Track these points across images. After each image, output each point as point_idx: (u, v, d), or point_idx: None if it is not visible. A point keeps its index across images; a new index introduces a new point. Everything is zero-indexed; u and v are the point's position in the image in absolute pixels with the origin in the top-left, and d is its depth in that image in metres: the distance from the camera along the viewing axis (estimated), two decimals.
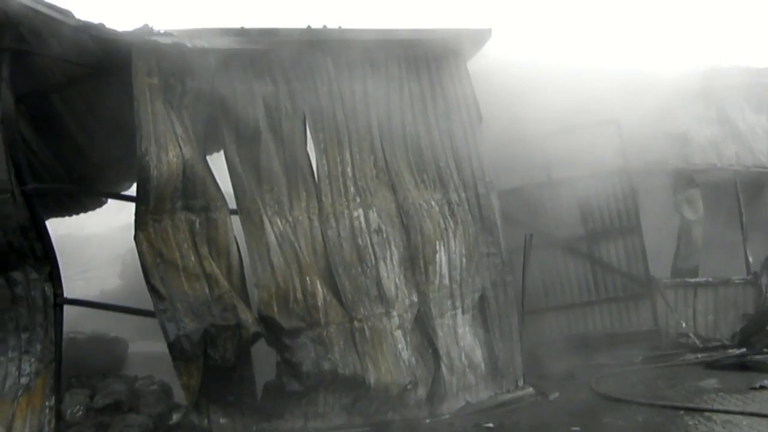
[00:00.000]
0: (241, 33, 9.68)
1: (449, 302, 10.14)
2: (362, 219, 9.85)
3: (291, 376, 9.09)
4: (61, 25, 8.81)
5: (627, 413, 9.34)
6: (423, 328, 9.93)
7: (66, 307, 8.95)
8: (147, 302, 9.42)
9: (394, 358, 9.59)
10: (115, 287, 14.10)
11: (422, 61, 10.82)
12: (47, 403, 8.65)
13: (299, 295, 9.19)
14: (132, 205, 9.22)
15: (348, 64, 10.27)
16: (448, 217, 10.37)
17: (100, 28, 8.96)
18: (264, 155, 9.51)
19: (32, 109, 9.89)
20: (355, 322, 9.47)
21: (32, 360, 8.74)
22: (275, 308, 9.07)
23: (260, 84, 9.69)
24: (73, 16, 8.86)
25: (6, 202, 8.47)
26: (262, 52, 9.71)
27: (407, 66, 10.69)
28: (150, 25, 9.20)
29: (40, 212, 8.84)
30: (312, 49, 9.98)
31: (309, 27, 10.00)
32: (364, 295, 9.61)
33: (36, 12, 8.72)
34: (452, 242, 10.27)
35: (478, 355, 10.29)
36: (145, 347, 10.95)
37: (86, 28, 8.88)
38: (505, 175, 12.51)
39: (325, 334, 9.22)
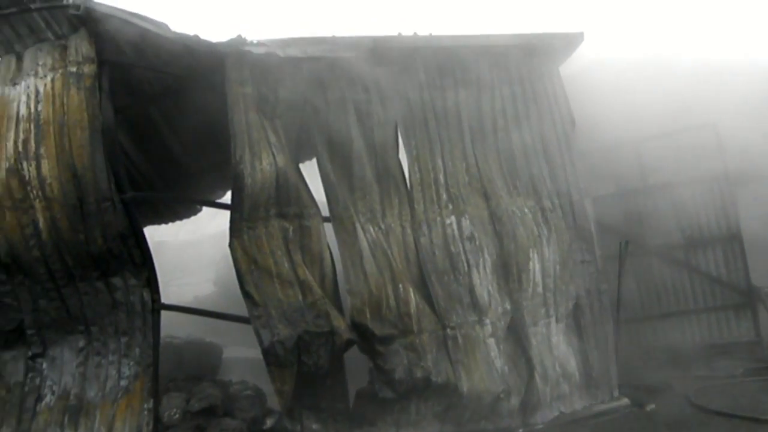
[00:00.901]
0: (333, 42, 9.73)
1: (543, 310, 9.99)
2: (455, 226, 9.79)
3: (384, 383, 9.09)
4: (157, 37, 9.00)
5: (727, 427, 9.00)
6: (516, 337, 9.80)
7: (162, 313, 9.13)
8: (240, 308, 9.54)
9: (487, 367, 9.49)
10: (209, 293, 14.34)
11: (513, 66, 10.71)
12: (146, 406, 8.85)
13: (392, 303, 9.18)
14: (225, 213, 9.35)
15: (439, 70, 10.23)
16: (542, 224, 10.23)
17: (194, 39, 9.13)
18: (356, 163, 9.54)
19: (130, 119, 10.17)
20: (448, 330, 9.41)
21: (131, 363, 8.96)
22: (368, 315, 9.08)
23: (352, 92, 9.72)
24: (169, 29, 9.05)
25: (106, 210, 8.70)
26: (353, 60, 9.72)
27: (498, 71, 10.60)
28: (243, 36, 9.32)
29: (138, 220, 9.05)
30: (403, 56, 9.97)
31: (400, 35, 10.01)
32: (457, 303, 9.54)
33: (133, 26, 8.94)
34: (546, 249, 10.12)
35: (573, 365, 10.10)
36: (239, 353, 11.10)
37: (181, 40, 9.05)
38: (598, 181, 12.29)
39: (417, 341, 9.18)
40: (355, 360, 9.33)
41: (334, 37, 9.74)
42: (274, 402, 9.23)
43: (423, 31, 10.10)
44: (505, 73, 10.63)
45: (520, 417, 9.65)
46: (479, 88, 10.38)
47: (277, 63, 9.25)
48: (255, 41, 9.30)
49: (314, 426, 9.05)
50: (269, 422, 9.12)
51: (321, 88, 9.58)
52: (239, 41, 9.18)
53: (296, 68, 9.40)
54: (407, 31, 10.01)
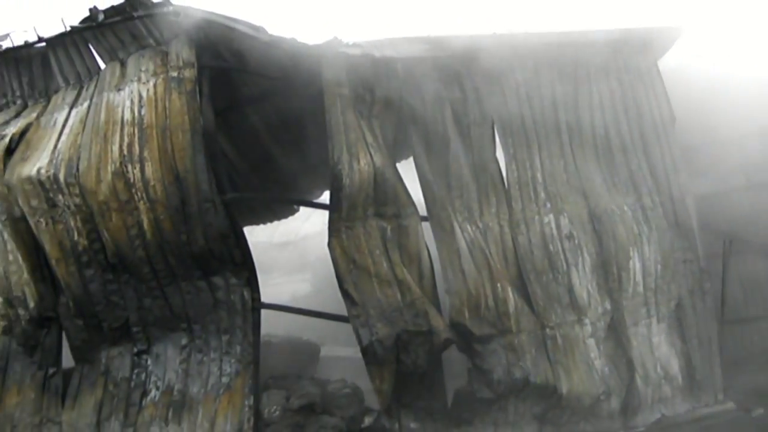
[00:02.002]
0: (428, 41, 9.74)
1: (644, 310, 9.80)
2: (553, 225, 9.67)
3: (482, 383, 9.06)
4: (255, 41, 9.15)
5: None
6: (616, 337, 9.65)
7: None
8: (337, 308, 9.64)
9: (587, 367, 9.36)
10: (305, 293, 14.51)
11: (611, 61, 10.54)
12: (246, 402, 8.99)
13: (490, 302, 9.13)
14: (319, 214, 9.45)
15: (535, 67, 10.13)
16: (642, 222, 10.03)
17: (291, 42, 9.23)
18: (453, 162, 9.52)
19: (229, 121, 10.35)
20: (547, 330, 9.32)
21: (232, 361, 9.13)
22: (466, 315, 9.04)
23: (448, 91, 9.70)
24: (266, 32, 9.18)
25: (208, 211, 8.88)
26: (449, 59, 9.71)
27: (595, 67, 10.43)
28: (339, 38, 9.39)
29: (238, 220, 9.21)
30: (499, 54, 9.88)
31: (495, 33, 9.94)
32: (556, 303, 9.43)
33: (232, 30, 9.12)
34: (646, 248, 9.92)
35: (675, 366, 9.89)
36: (336, 351, 11.18)
37: (279, 43, 9.17)
38: (699, 179, 11.91)
39: (516, 341, 9.11)
40: (453, 359, 9.29)
41: (429, 36, 9.74)
42: (371, 400, 9.28)
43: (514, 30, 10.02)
44: (603, 69, 10.46)
45: (620, 419, 9.50)
46: (576, 84, 10.24)
47: (372, 63, 9.28)
48: (351, 42, 9.36)
49: (412, 425, 9.07)
50: (367, 420, 9.15)
51: (417, 87, 9.57)
52: (335, 43, 9.25)
53: (392, 68, 9.42)
54: (494, 30, 9.92)
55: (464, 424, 9.14)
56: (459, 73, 9.80)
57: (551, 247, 9.57)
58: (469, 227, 9.42)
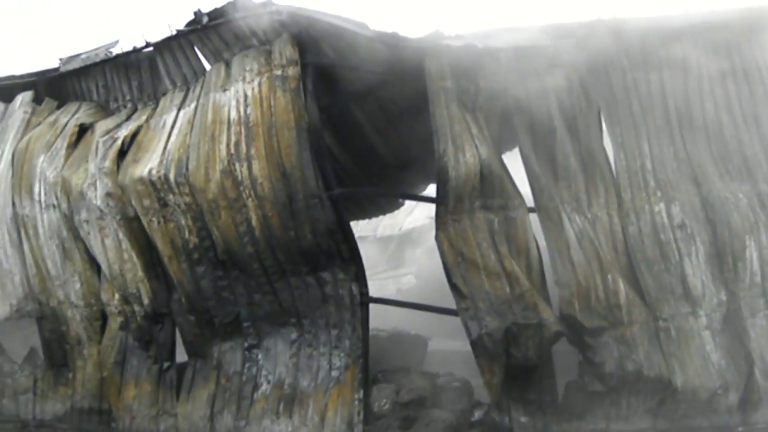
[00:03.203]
0: (531, 30, 9.63)
1: (762, 301, 9.45)
2: (664, 214, 9.40)
3: (593, 376, 8.91)
4: (358, 37, 9.19)
5: None
6: (733, 329, 9.32)
7: None
8: (442, 301, 9.61)
9: (702, 361, 9.08)
10: (410, 287, 14.54)
11: (721, 43, 10.18)
12: (356, 396, 9.07)
13: (601, 294, 8.95)
14: (422, 207, 9.42)
15: (642, 53, 9.86)
16: (758, 209, 9.66)
17: (393, 36, 9.24)
18: (560, 152, 9.36)
19: (333, 118, 10.43)
20: (660, 322, 9.08)
21: (341, 355, 9.22)
22: (576, 307, 8.89)
23: (553, 80, 9.52)
24: (368, 28, 9.21)
25: (315, 207, 8.98)
26: (553, 48, 9.55)
27: (705, 50, 10.07)
28: (441, 30, 9.36)
29: (345, 215, 9.27)
30: (604, 41, 9.67)
31: (599, 19, 9.73)
32: (669, 294, 9.17)
33: (335, 27, 9.18)
34: (763, 237, 9.56)
35: None
36: (443, 345, 11.15)
37: (381, 38, 9.19)
38: None
39: (628, 333, 8.91)
40: (563, 352, 9.15)
41: (532, 25, 9.61)
42: (480, 394, 9.23)
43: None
44: (712, 51, 10.09)
45: (739, 414, 9.18)
46: (685, 68, 9.92)
47: (476, 55, 9.21)
48: (453, 34, 9.31)
49: (522, 419, 8.99)
50: (477, 414, 9.12)
51: (521, 77, 9.44)
52: (438, 35, 9.23)
53: (495, 59, 9.32)
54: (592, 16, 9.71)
55: (575, 418, 9.00)
56: (563, 61, 9.61)
57: (662, 237, 9.31)
58: (577, 218, 9.26)
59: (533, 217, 9.28)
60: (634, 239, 9.29)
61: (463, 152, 8.87)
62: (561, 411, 9.00)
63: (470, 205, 8.98)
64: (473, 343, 8.65)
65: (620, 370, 8.80)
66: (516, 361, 8.68)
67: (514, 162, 9.55)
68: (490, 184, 9.05)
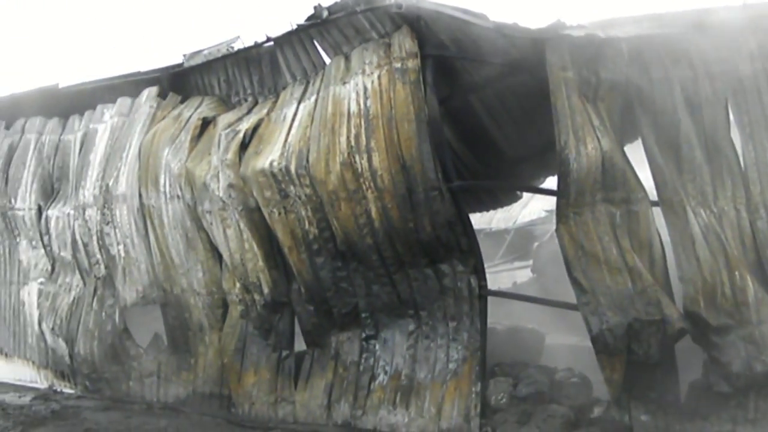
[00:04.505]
0: (654, 18, 9.36)
1: None
2: None
3: (719, 377, 8.58)
4: (477, 28, 9.13)
5: None
6: None
7: None
8: (558, 295, 9.50)
9: None
10: (526, 280, 14.44)
11: None
12: (473, 389, 9.06)
13: (727, 291, 8.64)
14: (538, 200, 9.30)
15: None
16: None
17: (514, 27, 9.15)
18: (685, 144, 9.08)
19: (451, 110, 10.42)
20: None
21: (459, 347, 9.22)
22: (701, 304, 8.61)
23: (677, 70, 9.25)
24: (488, 19, 9.14)
25: (435, 199, 8.99)
26: (677, 37, 9.25)
27: None
28: (561, 20, 9.20)
29: (465, 208, 9.26)
30: (731, 28, 9.33)
31: (727, 5, 9.39)
32: None
33: (455, 19, 9.15)
34: None
35: None
36: (559, 339, 11.02)
37: (501, 29, 9.11)
38: None
39: (757, 333, 8.56)
40: (686, 350, 8.89)
41: (655, 13, 9.36)
42: (599, 391, 9.08)
43: None
44: None
45: None
46: None
47: (597, 44, 9.02)
48: (574, 24, 9.15)
49: (643, 417, 8.78)
50: (596, 411, 8.96)
51: (644, 67, 9.21)
52: (558, 25, 9.07)
53: (617, 49, 9.10)
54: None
55: (699, 419, 8.71)
56: (688, 50, 9.32)
57: None
58: (702, 212, 8.97)
59: (656, 211, 9.03)
60: (763, 235, 8.95)
61: (585, 144, 8.72)
62: (684, 411, 8.74)
63: (592, 198, 8.81)
64: (594, 339, 8.51)
65: (748, 371, 8.47)
66: (637, 358, 8.48)
67: (636, 154, 9.32)
68: (612, 177, 8.86)
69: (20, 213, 13.42)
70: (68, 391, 12.64)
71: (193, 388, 11.06)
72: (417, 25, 9.34)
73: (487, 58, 9.56)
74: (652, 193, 9.06)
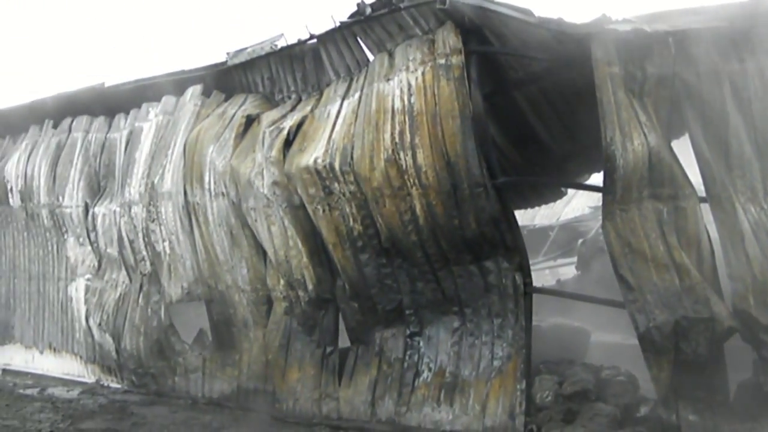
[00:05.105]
0: (702, 11, 9.22)
1: None
2: None
3: None
4: (522, 24, 9.07)
5: None
6: None
7: None
8: (603, 293, 9.40)
9: None
10: (570, 277, 14.35)
11: None
12: (518, 387, 9.01)
13: None
14: (581, 196, 9.20)
15: None
16: None
17: (559, 22, 9.05)
18: (733, 139, 8.93)
19: (496, 106, 10.34)
20: None
21: (504, 345, 9.18)
22: (751, 302, 8.48)
23: (725, 63, 9.09)
24: (533, 14, 9.06)
25: (480, 196, 8.96)
26: (725, 30, 9.10)
27: None
28: (607, 14, 9.10)
29: (509, 204, 9.21)
30: None
31: None
32: None
33: (499, 14, 9.09)
34: None
35: None
36: (604, 337, 10.92)
37: (546, 24, 9.02)
38: None
39: None
40: (735, 349, 8.76)
41: (703, 6, 9.23)
42: (646, 389, 8.99)
43: None
44: None
45: None
46: None
47: (644, 39, 8.90)
48: (620, 18, 9.04)
49: (691, 417, 8.65)
50: (643, 410, 8.85)
51: (691, 61, 9.06)
52: (604, 20, 8.97)
53: (664, 43, 8.98)
54: None
55: (748, 419, 8.56)
56: (737, 43, 9.17)
57: None
58: (752, 208, 8.83)
59: (704, 207, 8.90)
60: None
61: (631, 140, 8.61)
62: (733, 411, 8.61)
63: (638, 195, 8.70)
64: (641, 337, 8.41)
65: None
66: (685, 357, 8.37)
67: (684, 150, 9.19)
68: (659, 173, 8.74)
69: (68, 210, 13.64)
70: (115, 385, 12.85)
71: (238, 383, 11.15)
72: (461, 21, 9.30)
73: (531, 53, 9.49)
74: (700, 189, 8.93)
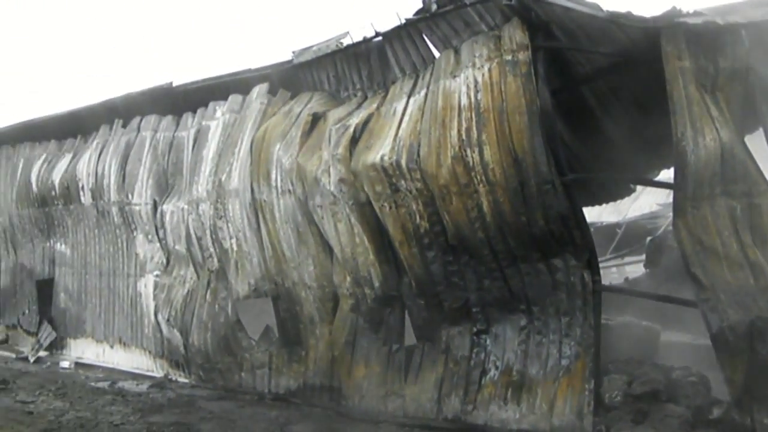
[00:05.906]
0: None
1: None
2: None
3: None
4: (589, 18, 8.95)
5: None
6: None
7: None
8: (672, 291, 9.22)
9: None
10: (638, 275, 14.12)
11: None
12: (587, 386, 8.88)
13: None
14: (648, 193, 9.03)
15: None
16: None
17: (627, 16, 8.90)
18: None
19: (563, 102, 10.24)
20: None
21: (572, 343, 9.07)
22: None
23: None
24: (600, 9, 8.94)
25: (547, 192, 8.86)
26: None
27: None
28: (677, 7, 8.93)
29: (578, 201, 9.11)
30: None
31: None
32: None
33: (566, 9, 8.98)
34: None
35: None
36: (674, 336, 10.71)
37: (614, 18, 8.89)
38: None
39: None
40: None
41: None
42: (718, 391, 8.78)
43: None
44: None
45: None
46: None
47: (715, 32, 8.72)
48: (691, 11, 8.87)
49: (766, 420, 8.44)
50: (716, 412, 8.63)
51: (765, 54, 8.87)
52: (674, 13, 8.80)
53: (736, 35, 8.80)
54: None
55: None
56: None
57: None
58: None
59: None
60: None
61: (703, 135, 8.44)
62: None
63: (710, 191, 8.53)
64: (713, 337, 8.25)
65: None
66: (761, 358, 8.17)
67: (758, 145, 8.98)
68: (732, 169, 8.56)
69: (137, 208, 13.91)
70: (183, 380, 13.06)
71: (304, 379, 11.23)
72: (527, 16, 9.21)
73: (599, 48, 9.39)
74: None
